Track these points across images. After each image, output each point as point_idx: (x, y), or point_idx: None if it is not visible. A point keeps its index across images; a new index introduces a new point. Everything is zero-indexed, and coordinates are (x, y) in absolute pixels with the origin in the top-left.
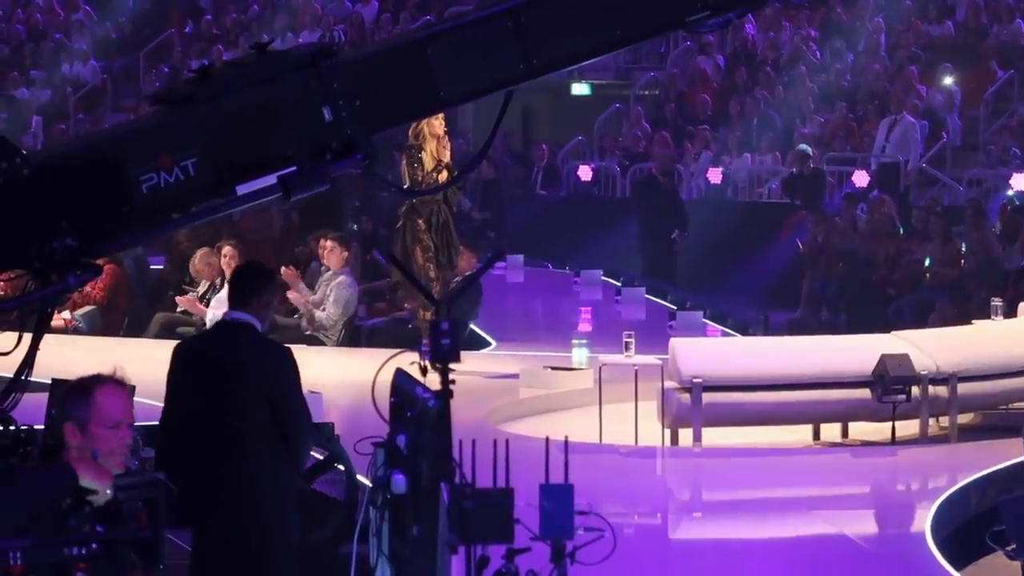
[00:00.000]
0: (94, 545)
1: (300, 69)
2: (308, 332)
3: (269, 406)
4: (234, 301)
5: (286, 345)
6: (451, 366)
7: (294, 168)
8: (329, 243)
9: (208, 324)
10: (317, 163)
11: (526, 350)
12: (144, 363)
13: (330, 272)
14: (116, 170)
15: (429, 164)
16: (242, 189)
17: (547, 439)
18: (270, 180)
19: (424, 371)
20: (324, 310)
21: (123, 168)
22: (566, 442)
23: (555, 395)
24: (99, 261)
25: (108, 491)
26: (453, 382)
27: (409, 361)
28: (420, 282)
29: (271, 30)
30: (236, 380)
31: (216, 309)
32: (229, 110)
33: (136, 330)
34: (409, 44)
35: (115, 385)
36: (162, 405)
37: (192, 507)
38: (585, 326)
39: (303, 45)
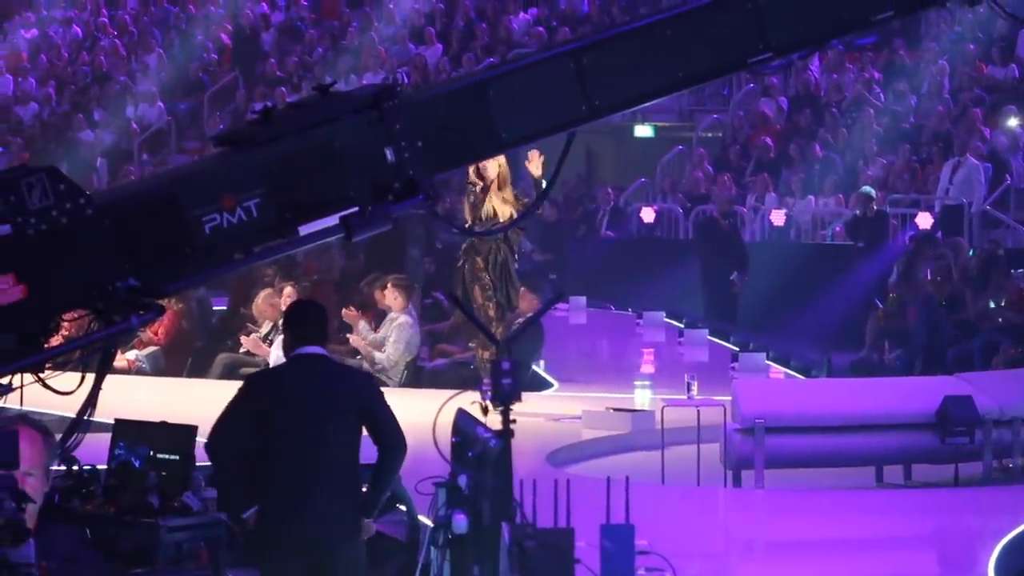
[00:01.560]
0: None
1: (363, 110)
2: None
3: (359, 430)
4: (305, 337)
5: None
6: (512, 406)
7: (356, 209)
8: (390, 285)
9: (272, 364)
10: (379, 203)
11: (588, 391)
12: (207, 404)
13: (392, 313)
14: (179, 211)
15: (490, 205)
16: (304, 229)
17: (608, 479)
18: (332, 220)
19: (485, 411)
20: (385, 351)
21: (186, 209)
22: (627, 482)
23: (617, 437)
24: (163, 302)
25: None
26: (514, 422)
27: (471, 401)
28: (481, 322)
29: (334, 72)
30: (327, 407)
31: (278, 351)
32: (292, 151)
33: (199, 371)
34: (471, 86)
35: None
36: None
37: (269, 536)
38: (647, 367)
39: (366, 87)
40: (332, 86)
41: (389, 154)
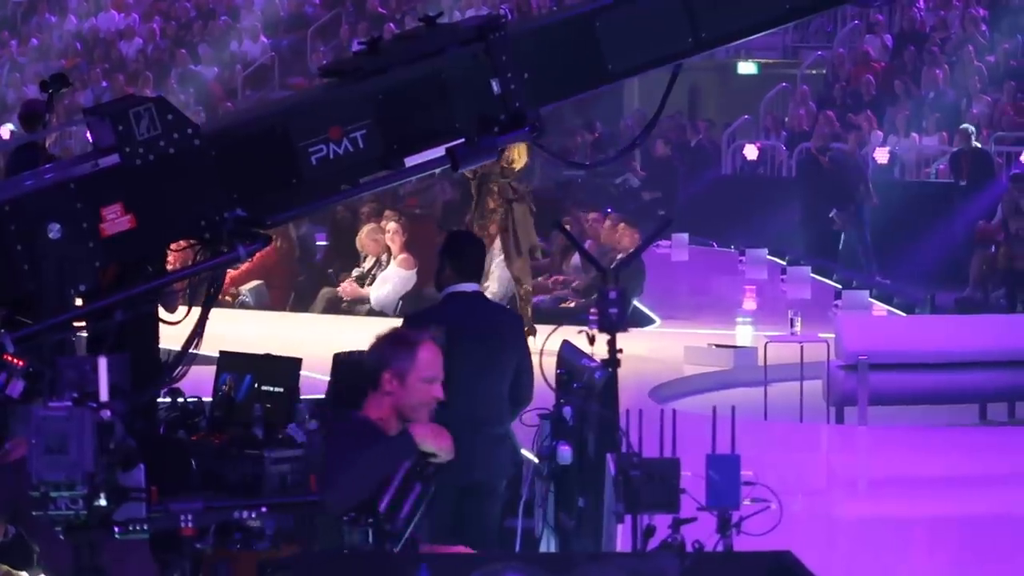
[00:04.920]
0: (263, 508)
1: (469, 42)
2: None
3: (511, 374)
4: (464, 272)
5: None
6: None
7: (462, 140)
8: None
9: (373, 305)
10: (485, 135)
11: (690, 328)
12: (310, 338)
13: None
14: (286, 141)
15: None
16: (410, 160)
17: (714, 409)
18: (438, 152)
19: (592, 340)
20: (487, 286)
21: (293, 139)
22: (732, 413)
23: (720, 373)
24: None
25: (443, 454)
26: (620, 351)
27: (577, 331)
28: (587, 251)
29: (437, 7)
30: (494, 349)
31: (380, 288)
32: (399, 82)
33: (302, 305)
34: (578, 17)
35: (432, 343)
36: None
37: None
38: (750, 304)
39: (472, 18)
40: (438, 18)
41: (495, 86)
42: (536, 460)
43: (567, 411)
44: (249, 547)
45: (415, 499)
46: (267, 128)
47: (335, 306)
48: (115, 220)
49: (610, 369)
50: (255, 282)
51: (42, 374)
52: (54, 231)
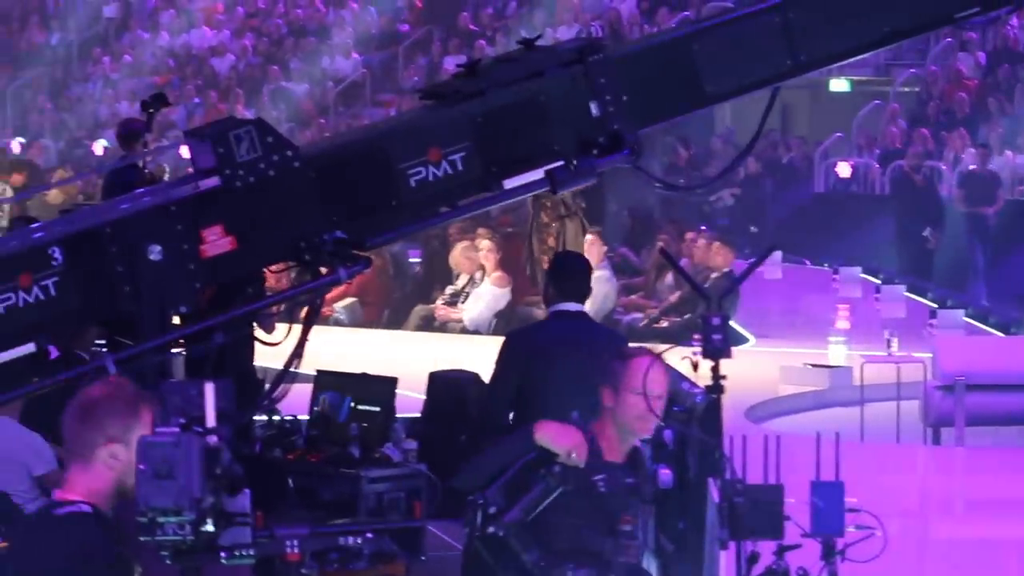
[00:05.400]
0: (369, 535)
1: (568, 64)
2: None
3: None
4: (568, 292)
5: None
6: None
7: (561, 163)
8: (589, 237)
9: (467, 324)
10: (584, 158)
11: (784, 346)
12: (404, 355)
13: None
14: (385, 163)
15: None
16: (509, 183)
17: (818, 435)
18: (537, 174)
19: (695, 367)
20: None
21: (392, 161)
22: (837, 439)
23: (815, 393)
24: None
25: (572, 455)
26: (724, 378)
27: (680, 357)
28: (691, 278)
29: (529, 26)
30: (591, 366)
31: (474, 306)
32: (498, 105)
33: (396, 322)
34: (676, 40)
35: (648, 357)
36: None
37: None
38: (843, 323)
39: (570, 41)
40: (537, 40)
41: (594, 108)
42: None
43: (667, 435)
44: (346, 567)
45: (531, 498)
46: (367, 150)
47: (428, 324)
48: (215, 242)
49: (714, 396)
50: (349, 299)
51: None
52: (155, 253)
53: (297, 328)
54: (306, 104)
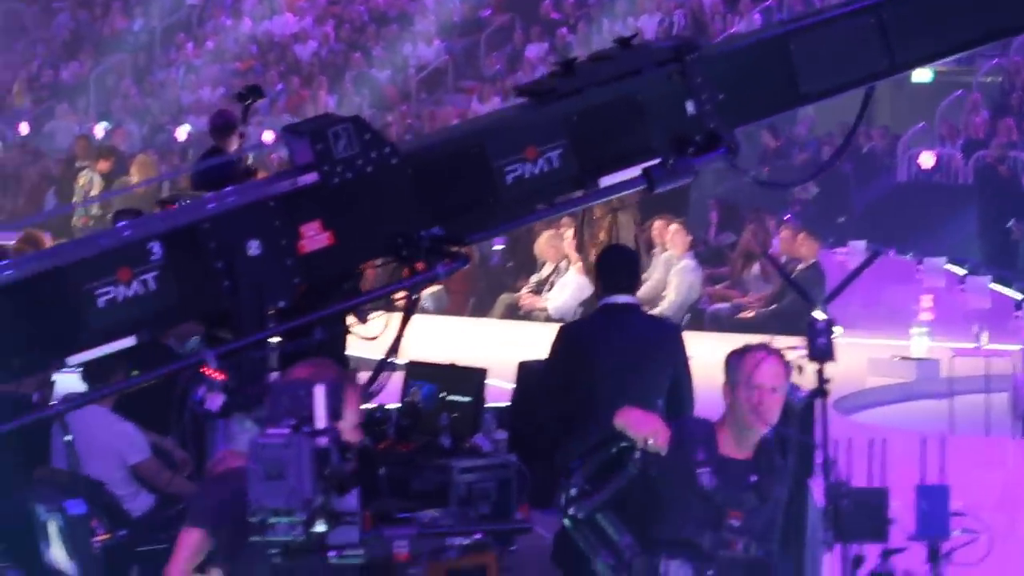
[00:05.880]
0: (478, 535)
1: (664, 63)
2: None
3: (670, 385)
4: (614, 285)
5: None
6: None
7: (658, 161)
8: (674, 226)
9: (552, 313)
10: (680, 156)
11: (870, 337)
12: (489, 344)
13: (671, 255)
14: (482, 160)
15: None
16: (606, 181)
17: (923, 439)
18: (633, 172)
19: (800, 369)
20: (664, 297)
21: (489, 159)
22: (943, 441)
23: (903, 385)
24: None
25: (650, 440)
26: (828, 381)
27: (786, 359)
28: (797, 283)
29: (611, 14)
30: (644, 360)
31: (559, 295)
32: (594, 103)
33: (481, 310)
34: (772, 39)
35: (760, 352)
36: (513, 386)
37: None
38: (929, 314)
39: (667, 39)
40: (634, 38)
41: (690, 107)
42: None
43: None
44: (439, 558)
45: (613, 483)
46: (463, 147)
47: (514, 312)
48: (314, 237)
49: (819, 399)
50: (435, 288)
51: (240, 389)
52: (253, 248)
53: (393, 321)
54: (388, 91)
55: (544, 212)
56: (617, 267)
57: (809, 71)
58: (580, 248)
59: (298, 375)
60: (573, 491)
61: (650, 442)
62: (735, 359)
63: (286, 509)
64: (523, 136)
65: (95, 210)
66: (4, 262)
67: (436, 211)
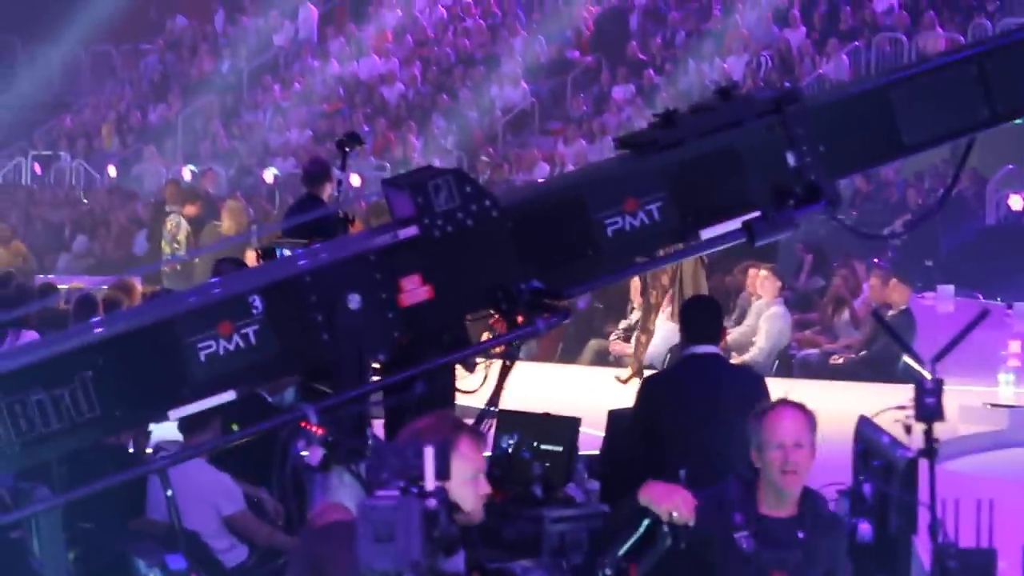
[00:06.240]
0: None
1: (765, 114)
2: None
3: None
4: (698, 335)
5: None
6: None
7: (758, 213)
8: (764, 272)
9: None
10: (781, 208)
11: (960, 384)
12: (578, 390)
13: (761, 301)
14: (582, 213)
15: None
16: (706, 233)
17: None
18: (734, 225)
19: (908, 430)
20: (754, 343)
21: (589, 211)
22: None
23: (995, 433)
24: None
25: (674, 514)
26: (937, 441)
27: (893, 420)
28: (912, 350)
29: (698, 55)
30: (725, 410)
31: (645, 336)
32: (695, 155)
33: (569, 356)
34: (873, 90)
35: (787, 408)
36: (603, 434)
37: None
38: (1015, 360)
39: (766, 90)
40: (734, 90)
41: (791, 158)
42: None
43: (867, 488)
44: None
45: (646, 560)
46: (563, 200)
47: (603, 358)
48: (413, 291)
49: (928, 459)
50: None
51: (339, 442)
52: (354, 302)
53: (492, 374)
54: (475, 133)
55: (644, 265)
56: (700, 317)
57: (910, 121)
58: (644, 292)
59: (416, 425)
60: (608, 571)
61: (674, 515)
62: (755, 421)
63: (395, 571)
64: (623, 188)
65: (183, 253)
66: (103, 316)
67: (536, 264)
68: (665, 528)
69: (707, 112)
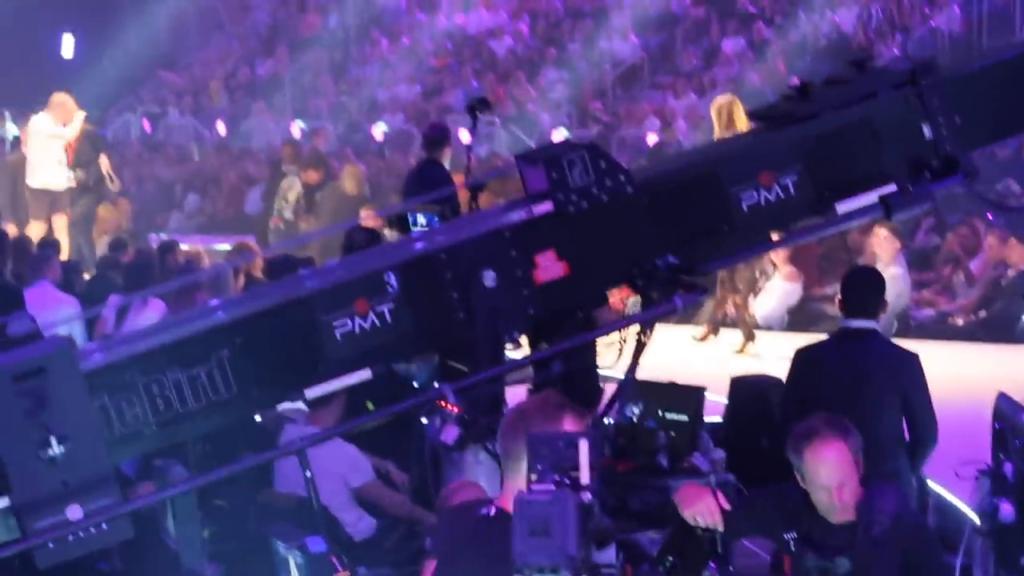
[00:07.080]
0: None
1: (901, 86)
2: None
3: (900, 413)
4: (853, 309)
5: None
6: None
7: (894, 187)
8: (883, 232)
9: (759, 319)
10: (917, 182)
11: None
12: (697, 352)
13: (881, 263)
14: (717, 187)
15: None
16: (842, 207)
17: None
18: (870, 199)
19: None
20: None
21: (724, 185)
22: None
23: None
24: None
25: (698, 518)
26: None
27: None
28: None
29: (807, 6)
30: (871, 388)
31: (766, 302)
32: (830, 127)
33: (686, 318)
34: (1012, 60)
35: (826, 442)
36: (725, 401)
37: None
38: None
39: (900, 60)
40: (868, 61)
41: (927, 131)
42: (976, 517)
43: (1008, 468)
44: None
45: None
46: (698, 175)
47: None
48: (549, 267)
49: None
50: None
51: (475, 421)
52: (489, 279)
53: (627, 347)
54: (585, 87)
55: (780, 241)
56: (858, 291)
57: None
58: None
59: (520, 406)
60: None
61: (698, 519)
62: (795, 455)
63: (551, 566)
64: (757, 162)
65: (288, 214)
66: (237, 296)
67: (671, 240)
68: (699, 532)
69: (842, 84)
